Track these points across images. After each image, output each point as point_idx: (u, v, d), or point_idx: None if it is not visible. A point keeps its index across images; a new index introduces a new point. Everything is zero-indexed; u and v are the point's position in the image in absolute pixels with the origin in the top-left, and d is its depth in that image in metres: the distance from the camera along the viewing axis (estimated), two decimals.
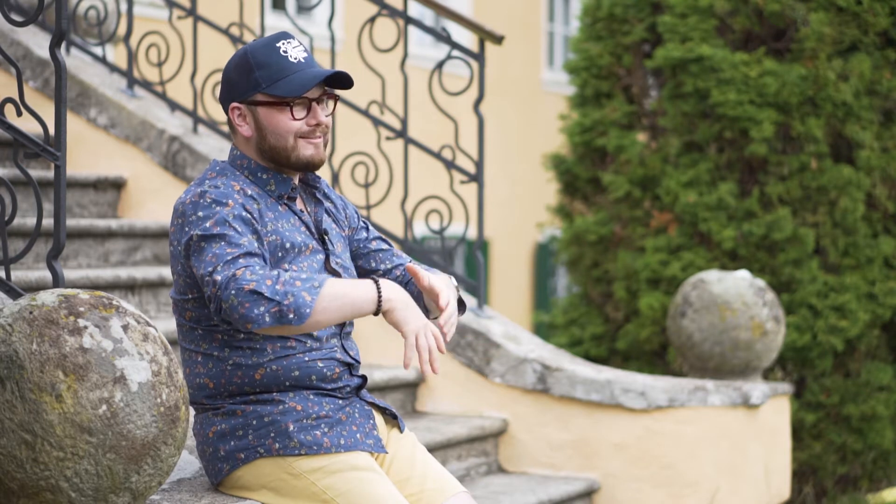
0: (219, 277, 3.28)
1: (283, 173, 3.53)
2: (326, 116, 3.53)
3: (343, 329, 3.58)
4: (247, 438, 3.46)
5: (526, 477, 5.46)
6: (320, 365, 3.51)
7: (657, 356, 7.24)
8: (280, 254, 3.45)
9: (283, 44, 3.49)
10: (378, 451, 3.53)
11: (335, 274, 3.55)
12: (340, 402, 3.53)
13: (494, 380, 5.55)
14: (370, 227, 3.75)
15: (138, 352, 2.99)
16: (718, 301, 5.96)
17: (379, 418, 3.64)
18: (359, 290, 3.34)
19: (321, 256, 3.54)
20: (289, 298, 3.25)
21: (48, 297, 3.00)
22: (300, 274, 3.32)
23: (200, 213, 3.38)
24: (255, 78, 3.46)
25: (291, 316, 3.26)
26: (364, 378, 3.64)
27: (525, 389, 5.53)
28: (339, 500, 3.41)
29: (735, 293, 5.97)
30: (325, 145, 3.55)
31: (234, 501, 3.50)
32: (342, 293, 3.32)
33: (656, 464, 5.48)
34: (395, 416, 3.67)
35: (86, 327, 2.96)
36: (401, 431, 3.66)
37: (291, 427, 3.44)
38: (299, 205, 3.58)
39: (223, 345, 3.47)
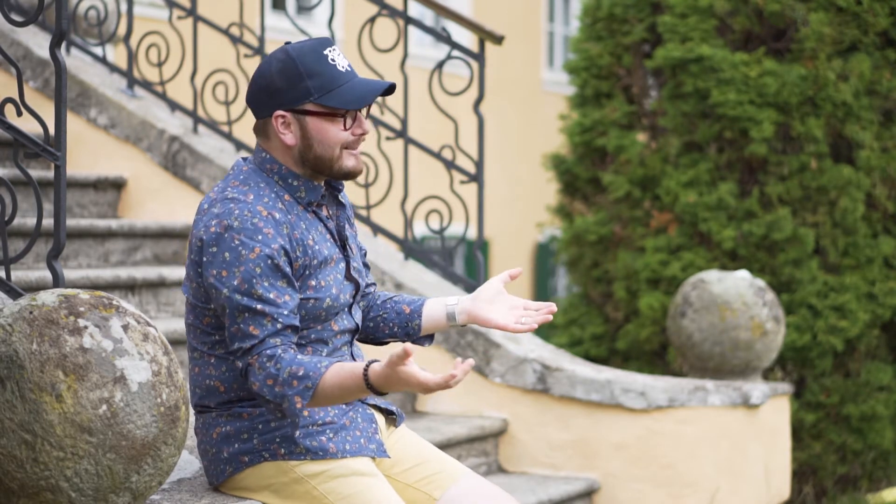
0: (239, 364, 3.34)
1: (315, 180, 3.50)
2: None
3: (353, 336, 3.60)
4: (252, 442, 3.46)
5: (526, 477, 5.46)
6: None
7: (657, 356, 7.24)
8: (308, 272, 3.44)
9: (330, 51, 3.42)
10: (380, 456, 3.54)
11: (353, 282, 3.55)
12: (344, 406, 3.54)
13: (494, 380, 5.55)
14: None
15: (138, 352, 2.99)
16: (718, 301, 5.96)
17: (380, 420, 3.65)
18: (352, 389, 3.31)
19: (343, 265, 3.53)
20: (285, 402, 3.30)
21: (48, 297, 3.00)
22: (299, 367, 3.30)
23: (227, 256, 3.33)
24: (307, 87, 3.39)
25: (287, 419, 3.38)
26: None
27: (525, 389, 5.53)
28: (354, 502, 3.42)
29: (735, 293, 5.97)
30: None
31: (234, 502, 3.50)
32: (336, 393, 3.32)
33: (656, 464, 5.48)
34: (393, 414, 3.68)
35: (86, 327, 2.96)
36: (396, 427, 3.68)
37: (297, 433, 3.45)
38: (325, 211, 3.55)
39: None
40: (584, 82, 7.49)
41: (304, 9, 12.62)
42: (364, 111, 3.50)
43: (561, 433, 5.51)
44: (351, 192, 6.60)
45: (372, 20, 6.06)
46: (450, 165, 5.96)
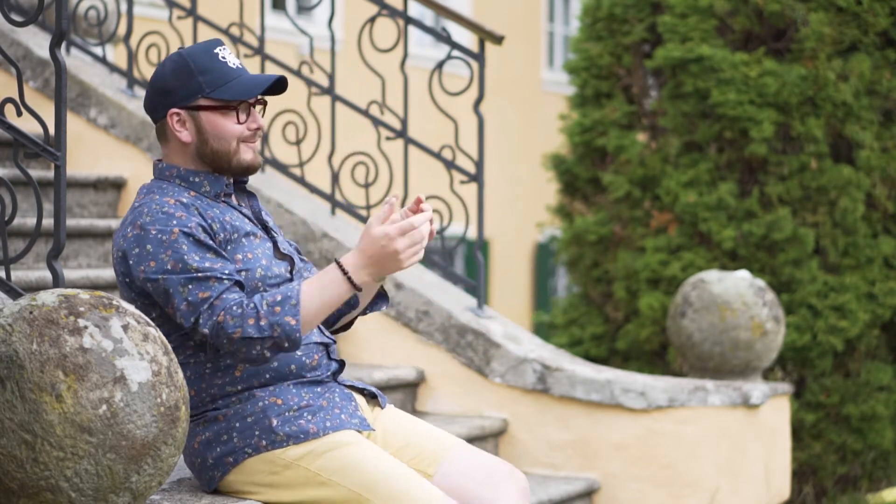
0: (206, 330, 3.36)
1: (216, 174, 3.56)
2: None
3: None
4: (232, 442, 3.47)
5: (526, 477, 5.45)
6: (299, 353, 3.54)
7: (657, 356, 7.23)
8: (231, 246, 3.48)
9: (220, 50, 3.53)
10: (365, 430, 3.55)
11: (286, 259, 3.60)
12: (319, 389, 3.55)
13: (494, 380, 5.54)
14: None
15: (138, 352, 2.99)
16: (718, 301, 5.96)
17: (361, 400, 3.66)
18: (332, 289, 3.38)
19: (269, 244, 3.59)
20: (276, 330, 3.33)
21: (48, 297, 3.00)
22: (275, 295, 3.36)
23: (149, 248, 3.38)
24: (199, 82, 3.48)
25: (286, 345, 3.35)
26: (342, 363, 3.66)
27: (525, 389, 5.52)
28: (336, 478, 3.43)
29: (735, 293, 5.97)
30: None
31: (234, 502, 3.50)
32: (321, 302, 3.38)
33: (656, 464, 5.47)
34: (374, 396, 3.68)
35: (86, 327, 2.96)
36: (382, 408, 3.68)
37: (275, 422, 3.46)
38: (235, 200, 3.63)
39: (198, 349, 3.50)
40: (584, 82, 7.48)
41: (304, 9, 12.62)
42: (259, 108, 3.59)
43: (561, 433, 5.51)
44: (350, 192, 6.60)
45: (372, 20, 6.06)
46: (450, 165, 5.96)
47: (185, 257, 3.37)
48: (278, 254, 3.59)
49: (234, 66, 3.52)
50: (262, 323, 3.32)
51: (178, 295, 3.36)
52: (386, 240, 3.36)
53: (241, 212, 3.59)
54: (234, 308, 3.35)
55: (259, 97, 3.57)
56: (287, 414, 3.47)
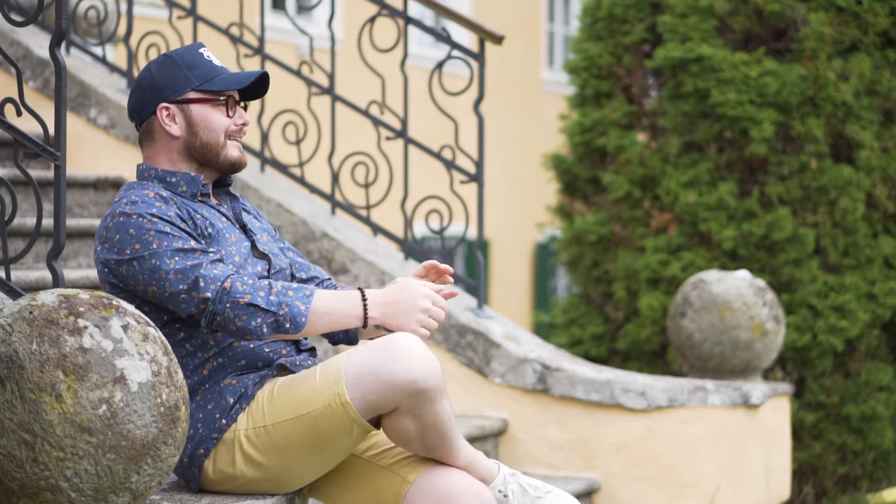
0: (208, 294, 3.38)
1: (192, 173, 3.60)
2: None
3: None
4: (198, 433, 3.50)
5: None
6: (266, 350, 3.56)
7: (657, 356, 7.23)
8: (205, 241, 3.52)
9: (204, 50, 3.62)
10: None
11: (264, 258, 3.63)
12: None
13: (494, 380, 5.54)
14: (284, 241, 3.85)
15: (138, 352, 2.99)
16: (718, 301, 5.95)
17: None
18: (345, 307, 3.43)
19: (247, 243, 3.63)
20: (283, 308, 3.37)
21: (48, 297, 3.00)
22: (290, 284, 3.43)
23: (132, 231, 3.43)
24: (188, 76, 3.56)
25: (288, 325, 3.39)
26: (312, 349, 3.68)
27: (525, 389, 5.52)
28: (281, 417, 3.44)
29: (735, 293, 5.97)
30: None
31: (234, 501, 3.50)
32: (331, 309, 3.42)
33: (656, 464, 5.47)
34: None
35: (86, 327, 2.96)
36: None
37: (231, 400, 3.50)
38: (214, 201, 3.68)
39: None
40: (584, 82, 7.48)
41: (304, 9, 12.62)
42: (244, 105, 3.65)
43: (561, 433, 5.50)
44: (350, 192, 6.59)
45: (372, 20, 6.06)
46: (450, 165, 5.96)
47: (169, 236, 3.42)
48: (256, 252, 3.63)
49: (219, 65, 3.61)
50: (272, 298, 3.38)
51: (164, 265, 3.40)
52: (425, 289, 3.43)
53: (218, 210, 3.64)
54: (245, 278, 3.41)
55: (241, 102, 3.65)
56: (242, 391, 3.51)
